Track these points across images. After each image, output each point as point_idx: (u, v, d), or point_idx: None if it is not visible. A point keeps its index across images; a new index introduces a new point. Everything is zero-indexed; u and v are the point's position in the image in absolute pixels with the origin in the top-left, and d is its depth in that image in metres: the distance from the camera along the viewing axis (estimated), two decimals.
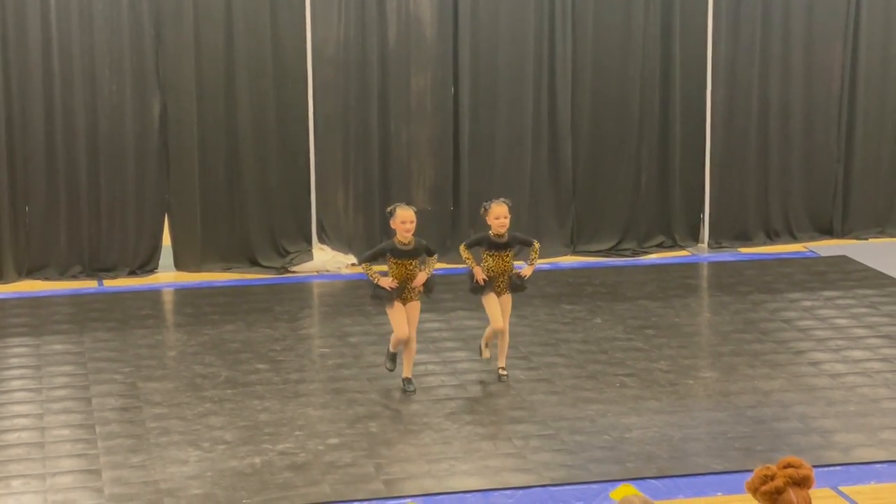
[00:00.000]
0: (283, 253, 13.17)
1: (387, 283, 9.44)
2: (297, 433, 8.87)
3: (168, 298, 12.41)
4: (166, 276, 12.91)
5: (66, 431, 8.94)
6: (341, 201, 13.41)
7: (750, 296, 12.13)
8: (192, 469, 8.29)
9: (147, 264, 12.96)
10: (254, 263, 13.10)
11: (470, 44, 13.24)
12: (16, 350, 10.69)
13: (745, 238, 14.04)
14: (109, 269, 12.87)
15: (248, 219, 13.07)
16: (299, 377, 10.02)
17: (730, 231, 14.01)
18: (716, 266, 13.35)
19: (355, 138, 13.22)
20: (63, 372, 10.14)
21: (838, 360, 10.34)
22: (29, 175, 12.64)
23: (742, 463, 8.30)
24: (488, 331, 9.86)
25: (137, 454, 8.53)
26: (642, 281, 12.69)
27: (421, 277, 9.51)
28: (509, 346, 10.01)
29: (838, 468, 8.25)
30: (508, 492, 7.98)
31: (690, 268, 13.30)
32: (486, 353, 9.95)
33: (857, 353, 10.49)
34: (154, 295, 12.41)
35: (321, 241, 13.31)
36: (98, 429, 8.97)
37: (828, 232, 14.26)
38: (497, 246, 9.69)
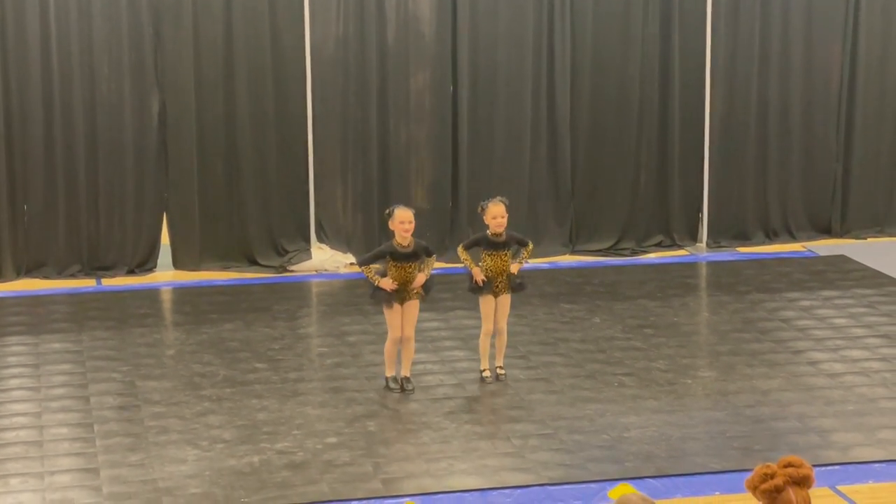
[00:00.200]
0: (281, 252, 13.17)
1: (386, 284, 9.43)
2: (296, 432, 8.87)
3: (166, 297, 12.40)
4: (165, 275, 12.91)
5: (64, 430, 8.93)
6: (340, 200, 13.40)
7: (748, 295, 12.13)
8: (191, 468, 8.29)
9: (145, 263, 12.96)
10: (252, 262, 13.10)
11: (469, 43, 13.24)
12: (14, 349, 10.69)
13: (744, 237, 14.04)
14: (108, 268, 12.87)
15: (247, 218, 13.07)
16: (298, 376, 10.02)
17: (728, 230, 14.01)
18: (714, 265, 13.35)
19: (354, 137, 13.22)
20: (61, 371, 10.14)
21: (837, 359, 10.35)
22: (27, 173, 12.63)
23: (740, 462, 8.30)
24: (482, 338, 9.81)
25: (136, 453, 8.53)
26: (641, 280, 12.69)
27: (420, 278, 9.50)
28: (507, 346, 10.01)
29: (836, 467, 8.26)
30: (507, 491, 7.98)
31: (689, 267, 13.30)
32: (487, 374, 9.88)
33: (856, 353, 10.49)
34: (152, 294, 12.41)
35: (320, 240, 13.31)
36: (96, 427, 8.96)
37: (826, 231, 14.26)
38: (495, 245, 9.68)
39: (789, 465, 4.71)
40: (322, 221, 13.31)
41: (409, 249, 9.44)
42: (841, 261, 13.34)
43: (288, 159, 13.12)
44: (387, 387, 9.61)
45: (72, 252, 12.80)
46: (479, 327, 10.14)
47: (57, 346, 10.74)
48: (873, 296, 12.08)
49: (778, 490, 4.65)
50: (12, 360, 10.42)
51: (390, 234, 9.69)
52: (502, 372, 9.88)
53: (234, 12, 12.76)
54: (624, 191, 13.77)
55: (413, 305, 9.56)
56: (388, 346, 9.63)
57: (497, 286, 9.71)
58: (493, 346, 9.96)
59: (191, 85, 12.75)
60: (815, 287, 12.40)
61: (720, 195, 13.93)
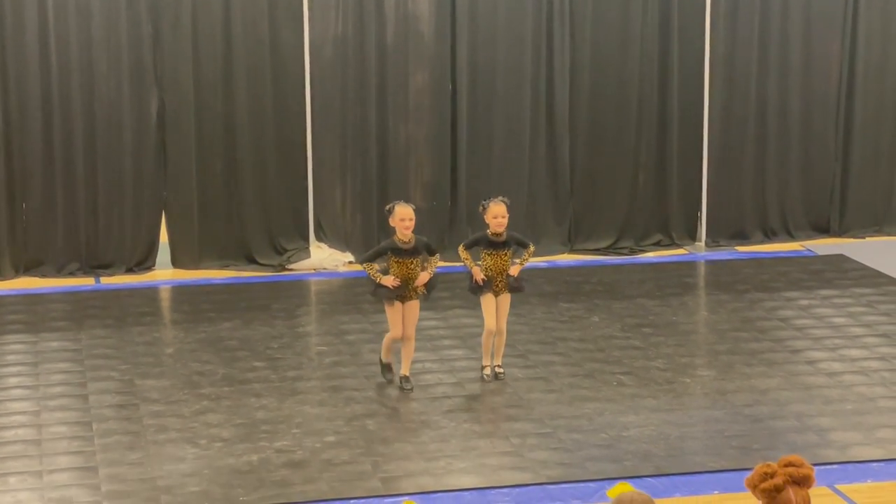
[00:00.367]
0: (280, 251, 13.16)
1: (389, 281, 9.43)
2: (295, 431, 8.87)
3: (165, 296, 12.40)
4: (163, 274, 12.91)
5: (62, 429, 8.93)
6: (339, 199, 13.40)
7: (747, 294, 12.13)
8: (189, 466, 8.29)
9: (144, 262, 12.96)
10: (251, 261, 13.10)
11: (468, 42, 13.24)
12: (13, 347, 10.69)
13: (743, 237, 14.04)
14: (107, 267, 12.87)
15: (246, 216, 13.07)
16: (296, 375, 10.02)
17: (727, 229, 14.01)
18: (713, 264, 13.36)
19: (353, 136, 13.22)
20: (60, 369, 10.14)
21: (835, 358, 10.35)
22: (26, 172, 12.63)
23: (739, 461, 8.30)
24: (484, 336, 9.82)
25: (134, 451, 8.53)
26: (640, 279, 12.69)
27: (423, 277, 9.50)
28: (506, 345, 10.01)
29: (835, 466, 8.26)
30: (505, 490, 7.98)
31: (688, 266, 13.30)
32: (488, 371, 9.89)
33: (854, 352, 10.49)
34: (151, 292, 12.41)
35: (318, 238, 13.31)
36: (95, 426, 8.96)
37: (825, 231, 14.26)
38: (495, 245, 9.68)
39: (790, 464, 4.71)
40: (321, 220, 13.31)
41: (410, 245, 9.45)
42: (839, 260, 13.34)
43: (287, 158, 13.12)
44: (382, 373, 9.61)
45: (70, 250, 12.80)
46: (478, 326, 10.16)
47: (55, 344, 10.74)
48: (872, 295, 12.09)
49: (778, 490, 4.65)
50: (11, 358, 10.42)
51: (389, 233, 9.69)
52: (501, 371, 9.88)
53: (233, 11, 12.76)
54: (623, 190, 13.77)
55: (414, 306, 9.56)
56: (387, 340, 9.64)
57: (497, 285, 9.71)
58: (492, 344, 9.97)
59: (190, 84, 12.75)
60: (814, 286, 12.40)
61: (719, 194, 13.94)
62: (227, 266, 13.03)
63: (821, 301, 11.91)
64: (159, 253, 13.05)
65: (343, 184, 13.37)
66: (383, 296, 9.50)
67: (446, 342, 10.72)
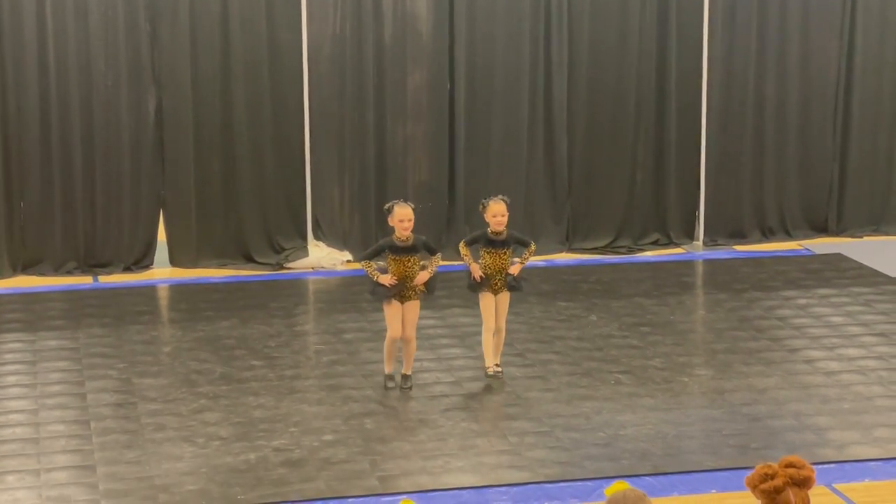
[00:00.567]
0: (278, 249, 13.16)
1: (386, 280, 9.43)
2: (292, 429, 8.87)
3: (163, 294, 12.40)
4: (161, 272, 12.90)
5: (60, 427, 8.93)
6: (336, 198, 13.40)
7: (745, 293, 12.14)
8: (187, 465, 8.29)
9: (142, 260, 12.95)
10: (249, 260, 13.10)
11: (466, 41, 13.24)
12: (11, 346, 10.68)
13: (741, 236, 14.04)
14: (104, 265, 12.86)
15: (244, 215, 13.06)
16: (294, 373, 10.02)
17: (725, 228, 14.02)
18: (711, 263, 13.36)
19: (351, 135, 13.22)
20: (58, 368, 10.13)
21: (833, 357, 10.35)
22: (24, 170, 12.62)
23: (736, 460, 8.31)
24: (484, 335, 9.82)
25: (132, 450, 8.53)
26: (637, 278, 12.69)
27: (423, 276, 9.49)
28: (504, 344, 10.01)
29: (832, 465, 8.27)
30: (503, 488, 7.98)
31: (686, 265, 13.30)
32: (491, 370, 9.88)
33: (852, 351, 10.50)
34: (149, 291, 12.40)
35: (316, 237, 13.31)
36: (93, 424, 8.96)
37: (823, 230, 14.26)
38: (495, 243, 9.68)
39: (790, 465, 4.70)
40: (319, 219, 13.31)
41: (408, 243, 9.44)
42: (837, 259, 13.35)
43: (284, 157, 13.11)
44: (385, 386, 9.59)
45: (68, 249, 12.79)
46: (476, 325, 10.15)
47: (53, 343, 10.74)
48: (869, 294, 12.09)
49: (777, 491, 4.65)
50: (9, 357, 10.41)
51: (387, 231, 9.69)
52: (499, 370, 9.88)
53: (231, 10, 12.75)
54: (620, 189, 13.77)
55: (413, 306, 9.55)
56: (388, 343, 9.63)
57: (496, 284, 9.70)
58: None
59: (188, 82, 12.74)
60: (812, 285, 12.40)
61: (717, 193, 13.94)
62: (225, 265, 13.03)
63: (819, 300, 11.91)
64: (157, 251, 13.04)
65: (341, 182, 13.37)
66: (381, 294, 9.50)
67: (444, 341, 10.72)
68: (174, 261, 13.03)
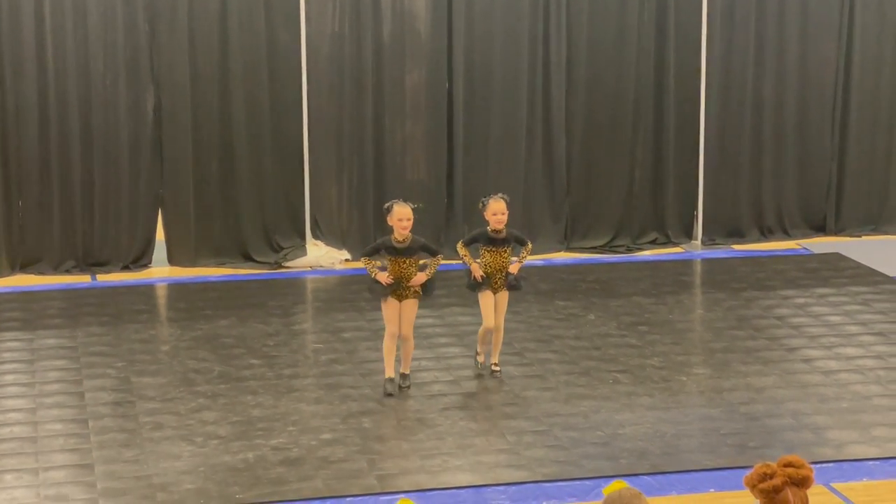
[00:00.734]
0: (276, 248, 13.16)
1: (383, 278, 9.44)
2: (291, 428, 8.87)
3: (161, 293, 12.40)
4: (160, 271, 12.90)
5: (58, 426, 8.93)
6: (335, 197, 13.40)
7: (743, 292, 12.14)
8: (185, 464, 8.29)
9: (140, 259, 12.96)
10: (247, 259, 13.10)
11: (464, 40, 13.24)
12: (9, 344, 10.68)
13: (739, 235, 14.05)
14: (103, 264, 12.86)
15: (242, 214, 13.06)
16: (292, 372, 10.02)
17: (723, 228, 14.02)
18: (709, 263, 13.36)
19: (349, 134, 13.22)
20: (56, 366, 10.13)
21: (831, 356, 10.36)
22: (22, 169, 12.62)
23: (734, 459, 8.31)
24: (481, 331, 9.84)
25: (130, 449, 8.53)
26: (636, 277, 12.69)
27: (420, 277, 9.48)
28: (503, 343, 10.01)
29: (830, 465, 8.27)
30: (501, 487, 7.98)
31: (684, 264, 13.30)
32: (482, 358, 9.92)
33: (850, 350, 10.50)
34: (147, 290, 12.40)
35: (315, 236, 13.31)
36: (91, 423, 8.96)
37: (821, 229, 14.27)
38: (494, 242, 9.68)
39: (789, 465, 4.70)
40: (317, 218, 13.31)
41: (405, 245, 9.44)
42: (835, 258, 13.35)
43: (283, 156, 13.11)
44: (385, 391, 9.54)
45: (66, 248, 12.79)
46: (474, 324, 10.15)
47: (51, 342, 10.74)
48: (867, 293, 12.10)
49: (776, 490, 4.64)
50: (7, 356, 10.41)
51: (385, 230, 9.68)
52: (497, 369, 9.88)
53: (230, 9, 12.75)
54: (619, 188, 13.77)
55: (411, 304, 9.54)
56: (387, 342, 9.60)
57: (495, 283, 9.71)
58: (489, 342, 9.96)
59: (186, 81, 12.74)
60: (810, 284, 12.41)
61: (715, 192, 13.94)
62: (224, 263, 13.03)
63: (817, 299, 11.92)
64: (155, 250, 13.04)
65: (339, 181, 13.37)
66: (379, 292, 9.50)
67: (443, 340, 10.72)
68: (172, 260, 13.03)
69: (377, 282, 9.46)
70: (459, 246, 9.81)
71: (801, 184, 14.18)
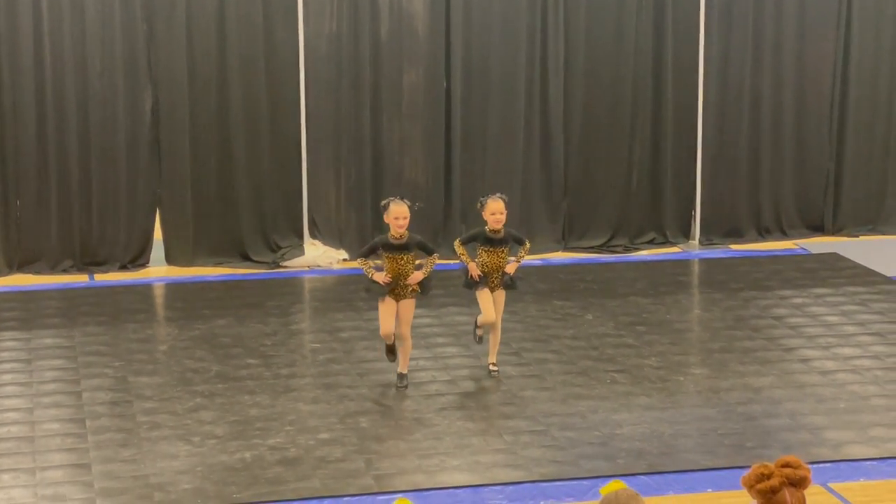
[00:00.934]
0: (274, 248, 13.16)
1: (380, 277, 9.44)
2: (288, 428, 8.87)
3: (159, 293, 12.40)
4: (157, 271, 12.90)
5: (56, 425, 8.93)
6: (333, 196, 13.40)
7: (741, 293, 12.14)
8: (183, 463, 8.29)
9: (138, 259, 12.95)
10: (245, 258, 13.10)
11: (462, 39, 13.24)
12: (6, 344, 10.68)
13: (737, 235, 14.05)
14: (101, 264, 12.86)
15: (240, 214, 13.06)
16: (290, 372, 10.01)
17: (721, 228, 14.02)
18: (707, 263, 13.36)
19: (347, 133, 13.21)
20: (53, 366, 10.13)
21: (828, 357, 10.36)
22: (20, 169, 12.62)
23: (732, 459, 8.31)
24: (480, 319, 9.82)
25: (128, 448, 8.52)
26: (633, 277, 12.69)
27: (417, 276, 9.49)
28: (501, 342, 10.01)
29: (828, 465, 8.27)
30: (499, 487, 7.98)
31: (682, 264, 13.31)
32: (480, 332, 9.87)
33: (848, 350, 10.50)
34: (145, 289, 12.40)
35: (312, 236, 13.31)
36: (88, 423, 8.96)
37: (819, 229, 14.27)
38: (492, 242, 9.67)
39: (787, 465, 4.70)
40: (315, 217, 13.31)
41: (402, 242, 9.44)
42: (833, 258, 13.36)
43: (281, 155, 13.11)
44: (396, 385, 9.56)
45: (64, 247, 12.79)
46: (473, 324, 10.14)
47: (49, 341, 10.73)
48: (865, 293, 12.10)
49: (774, 491, 4.65)
50: (4, 355, 10.41)
51: (383, 230, 9.68)
52: (495, 369, 9.88)
53: (227, 8, 12.75)
54: (617, 188, 13.78)
55: (408, 304, 9.54)
56: (383, 337, 9.63)
57: (493, 282, 9.70)
58: (486, 342, 9.96)
59: (184, 81, 12.74)
60: (807, 284, 12.41)
61: (713, 192, 13.94)
62: (221, 263, 13.03)
63: (814, 299, 11.92)
64: (153, 250, 13.03)
65: (337, 181, 13.37)
66: (376, 292, 9.50)
67: (440, 340, 10.72)
68: (170, 259, 13.03)
69: (374, 282, 9.46)
70: (457, 244, 9.81)
71: (798, 184, 14.19)
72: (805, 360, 10.28)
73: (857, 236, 14.22)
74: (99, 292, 12.18)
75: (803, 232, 14.23)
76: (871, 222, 14.36)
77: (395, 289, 9.48)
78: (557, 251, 13.65)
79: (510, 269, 9.71)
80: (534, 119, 13.49)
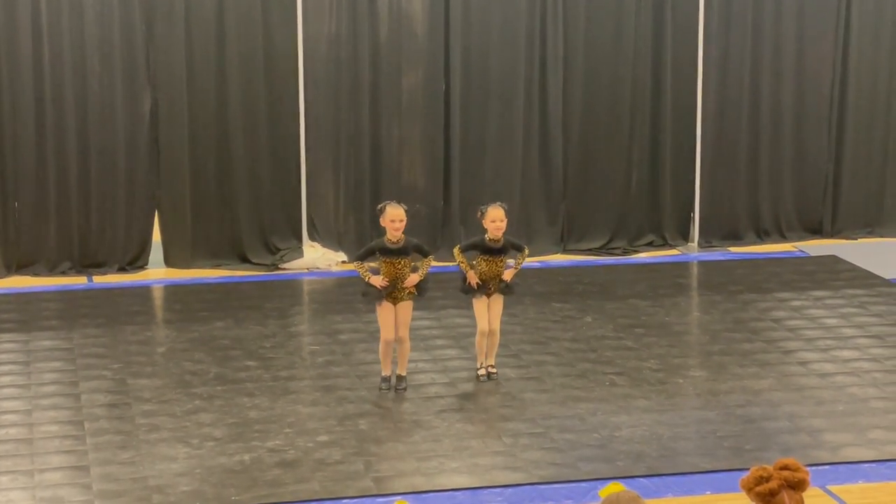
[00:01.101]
0: (273, 250, 13.16)
1: (377, 281, 9.43)
2: (287, 430, 8.86)
3: (158, 295, 12.39)
4: (156, 273, 12.89)
5: (54, 428, 8.92)
6: (332, 198, 13.40)
7: (740, 295, 12.14)
8: (181, 466, 8.28)
9: (137, 261, 12.95)
10: (244, 260, 13.09)
11: (461, 41, 13.24)
12: (5, 346, 10.67)
13: (736, 237, 14.05)
14: (99, 266, 12.85)
15: (239, 215, 13.06)
16: (289, 374, 10.01)
17: (720, 230, 14.03)
18: (706, 265, 13.37)
19: (346, 135, 13.22)
20: (52, 368, 10.12)
21: (827, 359, 10.36)
22: (18, 170, 12.61)
23: (731, 462, 8.31)
24: (478, 338, 9.82)
25: (126, 451, 8.52)
26: (632, 280, 12.69)
27: (413, 279, 9.48)
28: (500, 345, 10.00)
29: (827, 467, 8.26)
30: (498, 490, 7.98)
31: (681, 267, 13.31)
32: (483, 372, 9.88)
33: (846, 353, 10.50)
34: (144, 291, 12.39)
35: (311, 238, 13.31)
36: (87, 425, 8.95)
37: (817, 232, 14.28)
38: (492, 251, 9.66)
39: (785, 467, 4.70)
40: (314, 219, 13.31)
41: (399, 246, 9.44)
42: (832, 261, 13.36)
43: (280, 157, 13.11)
44: (379, 388, 9.58)
45: (63, 249, 12.78)
46: (471, 326, 10.14)
47: (48, 343, 10.72)
48: (864, 296, 12.10)
49: (772, 493, 4.65)
50: (3, 357, 10.40)
51: (382, 232, 9.68)
52: (494, 371, 9.88)
53: (227, 10, 12.75)
54: (616, 190, 13.78)
55: (406, 307, 9.54)
56: (382, 346, 9.61)
57: (490, 290, 9.71)
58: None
59: (183, 83, 12.74)
60: (806, 287, 12.41)
61: (712, 195, 13.94)
62: (220, 265, 13.02)
63: (813, 302, 11.92)
64: (152, 252, 13.03)
65: (336, 183, 13.37)
66: (373, 296, 9.50)
67: (439, 342, 10.72)
68: (169, 261, 13.02)
69: (371, 286, 9.46)
70: (456, 251, 9.80)
71: (797, 186, 14.19)
72: (804, 363, 10.28)
73: (856, 239, 14.23)
74: (97, 294, 12.18)
75: (802, 234, 14.23)
76: (869, 225, 14.37)
77: (393, 292, 9.48)
78: (556, 253, 13.65)
79: (507, 275, 9.71)
80: (533, 121, 13.49)
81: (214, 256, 13.06)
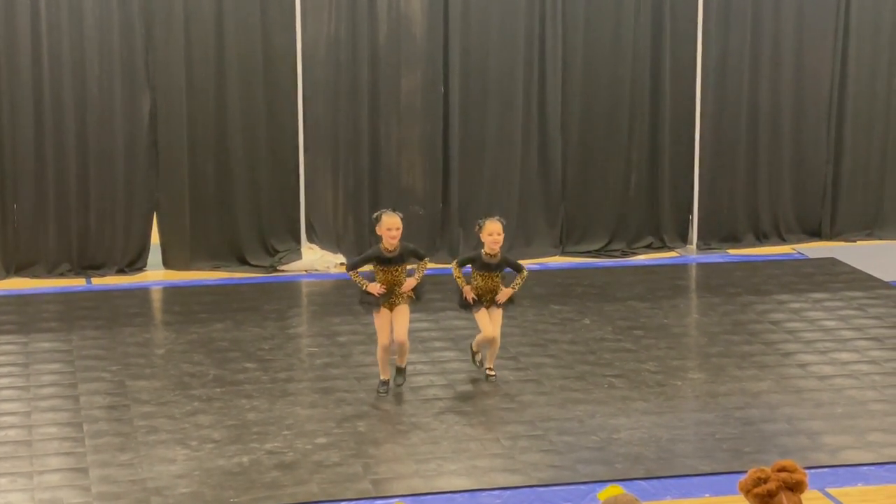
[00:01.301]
0: (271, 252, 13.16)
1: (374, 288, 9.43)
2: (286, 432, 8.86)
3: (157, 297, 12.39)
4: (155, 275, 12.89)
5: (53, 429, 8.92)
6: (330, 200, 13.40)
7: (738, 297, 12.14)
8: (180, 468, 8.28)
9: (136, 262, 12.95)
10: (242, 262, 13.09)
11: (460, 43, 13.24)
12: (4, 348, 10.67)
13: (734, 239, 14.05)
14: (98, 267, 12.85)
15: (237, 217, 13.06)
16: (287, 376, 10.01)
17: (719, 232, 14.03)
18: (704, 267, 13.37)
19: (345, 137, 13.22)
20: (51, 370, 10.12)
21: (826, 361, 10.36)
22: (18, 172, 12.61)
23: (730, 464, 8.31)
24: (479, 337, 9.84)
25: (125, 452, 8.51)
26: (631, 282, 12.69)
27: (410, 283, 9.48)
28: (499, 347, 10.00)
29: (826, 470, 8.26)
30: (496, 492, 7.98)
31: (679, 269, 13.31)
32: (480, 356, 9.93)
33: (845, 355, 10.50)
34: (142, 293, 12.39)
35: (310, 240, 13.30)
36: (86, 427, 8.95)
37: (816, 234, 14.28)
38: (488, 267, 9.67)
39: (783, 469, 4.71)
40: (312, 221, 13.30)
41: (395, 254, 9.43)
42: (831, 263, 13.36)
43: (278, 159, 13.11)
44: (377, 391, 9.58)
45: (62, 251, 12.78)
46: (470, 328, 10.16)
47: (46, 345, 10.72)
48: (863, 298, 12.10)
49: (771, 495, 4.65)
50: (2, 359, 10.40)
51: (379, 238, 9.67)
52: (492, 373, 9.88)
53: (226, 13, 12.75)
54: (614, 192, 13.78)
55: (403, 310, 9.53)
56: (380, 353, 9.59)
57: (486, 304, 9.74)
58: (486, 346, 9.95)
59: (182, 85, 12.74)
60: (805, 289, 12.41)
61: (710, 197, 13.95)
62: (219, 267, 13.02)
63: (812, 304, 11.92)
64: (151, 254, 13.03)
65: (335, 185, 13.37)
66: (370, 303, 9.49)
67: (437, 344, 10.72)
68: (168, 263, 13.02)
69: (367, 293, 9.45)
70: (454, 267, 9.81)
71: (796, 188, 14.20)
72: (803, 365, 10.28)
73: (855, 241, 14.23)
74: (96, 296, 12.18)
75: (801, 237, 14.24)
76: (868, 227, 14.37)
77: (390, 297, 9.47)
78: (555, 256, 13.65)
79: (500, 298, 9.70)
80: (532, 123, 13.49)
81: (213, 258, 13.06)
